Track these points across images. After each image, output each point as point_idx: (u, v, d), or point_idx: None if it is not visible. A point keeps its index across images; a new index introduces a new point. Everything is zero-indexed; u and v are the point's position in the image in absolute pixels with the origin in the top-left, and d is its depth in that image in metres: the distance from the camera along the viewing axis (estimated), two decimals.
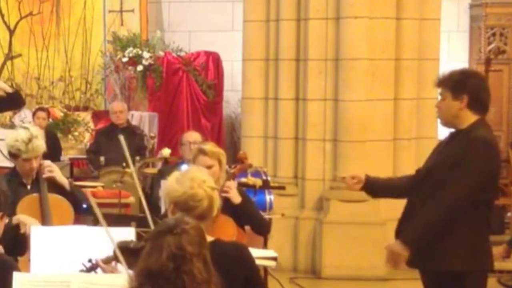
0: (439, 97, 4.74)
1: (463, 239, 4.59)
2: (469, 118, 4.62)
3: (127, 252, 3.76)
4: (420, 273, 4.90)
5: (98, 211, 3.79)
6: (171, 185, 3.73)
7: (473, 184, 4.53)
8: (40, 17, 11.45)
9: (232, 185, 5.35)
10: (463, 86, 4.60)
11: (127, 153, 4.22)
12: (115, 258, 3.86)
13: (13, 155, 5.41)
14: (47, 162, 5.47)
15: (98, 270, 3.93)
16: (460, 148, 4.58)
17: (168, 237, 2.94)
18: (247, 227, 5.59)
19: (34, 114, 9.89)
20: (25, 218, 4.96)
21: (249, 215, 5.35)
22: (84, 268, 3.91)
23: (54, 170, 5.43)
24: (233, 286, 3.22)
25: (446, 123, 4.76)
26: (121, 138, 4.25)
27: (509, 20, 10.75)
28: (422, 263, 4.74)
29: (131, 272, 3.70)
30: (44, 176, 5.39)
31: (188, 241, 2.94)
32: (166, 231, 2.98)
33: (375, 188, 5.07)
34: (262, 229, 5.60)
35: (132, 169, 4.82)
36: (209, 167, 5.22)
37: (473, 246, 4.62)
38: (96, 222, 4.98)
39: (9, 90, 7.57)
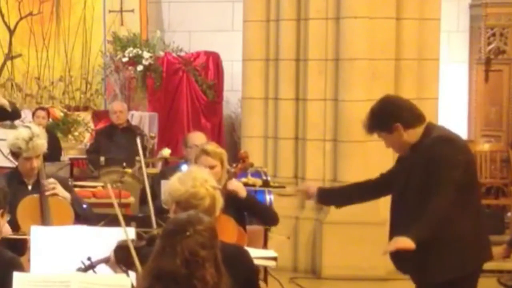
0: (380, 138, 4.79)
1: (452, 246, 4.59)
2: (414, 133, 4.66)
3: (128, 251, 3.76)
4: (414, 282, 4.91)
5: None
6: (173, 185, 3.74)
7: (454, 177, 4.52)
8: (40, 17, 11.45)
9: (236, 181, 5.41)
10: (388, 118, 4.65)
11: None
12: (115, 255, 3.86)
13: (14, 153, 5.40)
14: (50, 180, 5.43)
15: (96, 269, 3.92)
16: (421, 154, 4.60)
17: (181, 239, 2.92)
18: (247, 227, 5.60)
19: (33, 113, 9.90)
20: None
21: (257, 206, 5.40)
22: (82, 267, 3.90)
23: (56, 187, 5.41)
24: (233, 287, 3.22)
25: (404, 152, 4.76)
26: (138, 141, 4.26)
27: (509, 20, 10.74)
28: (416, 275, 4.75)
29: (132, 272, 3.71)
30: (47, 193, 5.35)
31: (201, 244, 2.93)
32: (178, 231, 2.96)
33: (327, 196, 5.16)
34: (271, 219, 5.61)
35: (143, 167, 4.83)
36: (211, 167, 5.24)
37: (462, 252, 4.62)
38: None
39: (8, 108, 7.70)
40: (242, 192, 5.35)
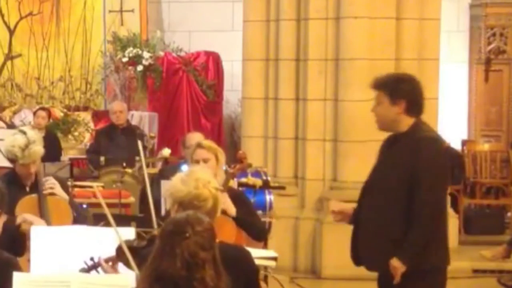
0: (374, 101, 4.78)
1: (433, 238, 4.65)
2: (407, 121, 4.68)
3: (130, 251, 3.76)
4: (378, 277, 4.93)
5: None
6: (176, 185, 3.71)
7: (443, 182, 4.64)
8: (40, 17, 11.45)
9: (226, 197, 5.27)
10: (400, 91, 4.67)
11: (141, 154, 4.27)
12: (116, 258, 3.86)
13: (11, 159, 5.38)
14: (48, 178, 5.42)
15: (100, 269, 3.92)
16: (408, 150, 4.61)
17: (180, 240, 2.92)
18: None
19: (34, 113, 9.92)
20: (32, 217, 4.94)
21: (245, 225, 5.31)
22: (86, 267, 3.90)
23: (54, 187, 5.40)
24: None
25: (384, 128, 4.80)
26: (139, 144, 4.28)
27: (509, 20, 10.74)
28: (382, 266, 4.76)
29: (133, 272, 3.71)
30: (44, 192, 5.34)
31: (201, 245, 2.93)
32: (177, 232, 2.95)
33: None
34: (258, 236, 5.54)
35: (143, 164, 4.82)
36: (205, 160, 5.22)
37: (439, 243, 4.67)
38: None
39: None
40: (230, 212, 5.26)
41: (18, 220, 4.86)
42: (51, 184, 5.36)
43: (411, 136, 4.63)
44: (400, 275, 4.58)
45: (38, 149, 5.31)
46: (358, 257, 4.99)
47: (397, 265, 4.57)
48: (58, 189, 5.39)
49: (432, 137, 4.73)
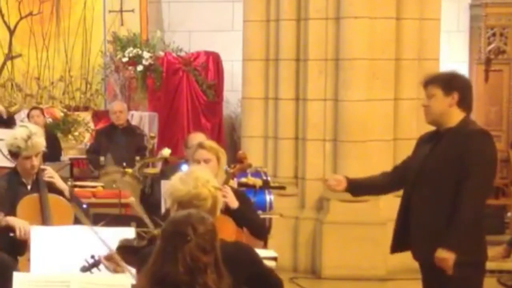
0: (425, 97, 4.84)
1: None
2: (457, 115, 4.75)
3: (130, 250, 3.76)
4: (421, 267, 4.92)
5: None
6: (175, 185, 3.71)
7: (490, 176, 4.74)
8: (40, 17, 11.45)
9: (229, 189, 5.28)
10: (453, 83, 4.75)
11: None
12: (117, 254, 3.86)
13: (14, 153, 5.37)
14: (48, 169, 5.45)
15: (101, 267, 3.92)
16: (458, 144, 4.65)
17: (182, 244, 2.91)
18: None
19: (28, 115, 9.86)
20: (13, 220, 4.96)
21: (246, 219, 5.30)
22: (86, 265, 3.90)
23: (54, 176, 5.41)
24: (236, 285, 3.22)
25: (433, 121, 4.84)
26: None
27: (509, 20, 10.74)
28: (426, 256, 4.76)
29: (134, 271, 3.71)
30: (44, 179, 5.36)
31: (202, 248, 2.92)
32: (179, 233, 2.94)
33: (358, 187, 5.20)
34: (259, 233, 5.53)
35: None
36: (206, 161, 5.22)
37: (475, 238, 4.68)
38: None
39: (4, 116, 7.87)
40: (232, 204, 5.23)
41: (2, 223, 4.87)
42: (50, 174, 5.40)
43: (461, 130, 4.69)
44: (451, 266, 4.54)
45: (41, 140, 5.35)
46: (397, 245, 4.92)
47: (444, 255, 4.55)
48: (58, 180, 5.41)
49: (482, 131, 4.82)
